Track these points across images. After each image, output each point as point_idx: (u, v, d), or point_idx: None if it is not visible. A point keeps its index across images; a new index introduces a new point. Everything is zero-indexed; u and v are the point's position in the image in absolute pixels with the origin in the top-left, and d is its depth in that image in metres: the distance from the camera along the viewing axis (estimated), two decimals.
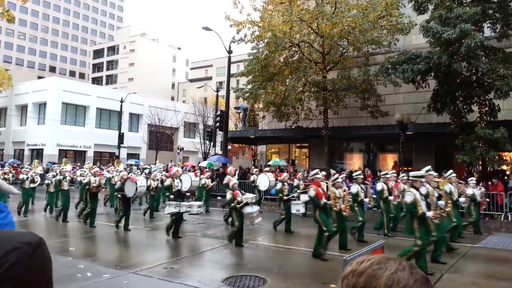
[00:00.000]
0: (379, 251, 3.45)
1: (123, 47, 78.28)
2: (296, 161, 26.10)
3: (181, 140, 48.03)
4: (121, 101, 36.82)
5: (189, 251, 9.51)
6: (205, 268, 8.09)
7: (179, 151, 40.41)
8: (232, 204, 9.63)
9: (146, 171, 22.53)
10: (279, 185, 12.45)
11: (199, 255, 8.97)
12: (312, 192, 8.63)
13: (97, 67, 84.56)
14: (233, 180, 10.55)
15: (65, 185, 13.99)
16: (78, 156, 41.61)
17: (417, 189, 7.59)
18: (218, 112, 25.70)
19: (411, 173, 8.36)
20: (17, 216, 14.07)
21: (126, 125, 42.56)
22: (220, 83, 55.20)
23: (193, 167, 26.36)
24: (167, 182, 11.07)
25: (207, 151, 37.15)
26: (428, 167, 8.81)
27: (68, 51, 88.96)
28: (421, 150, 20.90)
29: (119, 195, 11.99)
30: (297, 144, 26.69)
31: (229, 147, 33.17)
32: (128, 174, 14.69)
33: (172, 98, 71.12)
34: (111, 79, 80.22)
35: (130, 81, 73.63)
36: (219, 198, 20.28)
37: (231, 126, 38.65)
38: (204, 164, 26.03)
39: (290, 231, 11.81)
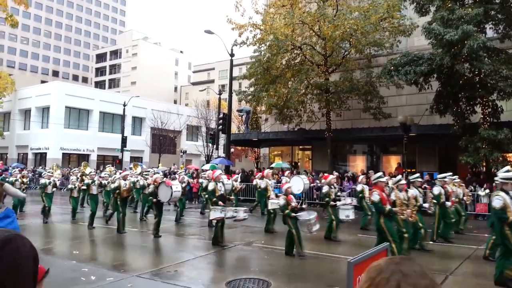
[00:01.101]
0: (383, 253, 3.45)
1: (126, 51, 78.58)
2: (299, 164, 26.08)
3: (184, 143, 48.09)
4: (124, 105, 36.92)
5: (193, 254, 9.50)
6: (209, 271, 8.08)
7: (182, 154, 40.42)
8: (287, 211, 8.78)
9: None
10: (325, 188, 11.37)
11: (203, 258, 8.96)
12: (376, 196, 7.82)
13: (100, 71, 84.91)
14: (287, 184, 9.71)
15: (94, 190, 13.61)
16: (81, 160, 41.68)
17: (507, 193, 6.81)
18: (221, 115, 25.70)
19: (501, 175, 7.29)
20: (41, 221, 13.93)
21: (129, 128, 42.67)
22: (223, 86, 55.32)
23: (196, 170, 26.35)
24: (211, 186, 10.33)
25: (210, 154, 37.16)
26: (507, 167, 8.06)
27: (71, 55, 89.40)
28: (424, 151, 20.84)
29: (154, 200, 11.29)
30: (300, 146, 26.67)
31: (232, 149, 33.19)
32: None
33: (175, 101, 71.31)
34: (114, 83, 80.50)
35: (132, 84, 73.87)
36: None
37: (234, 129, 38.65)
38: (207, 167, 26.03)
39: (334, 238, 10.78)
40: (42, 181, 14.54)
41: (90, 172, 15.77)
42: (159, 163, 34.31)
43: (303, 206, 9.55)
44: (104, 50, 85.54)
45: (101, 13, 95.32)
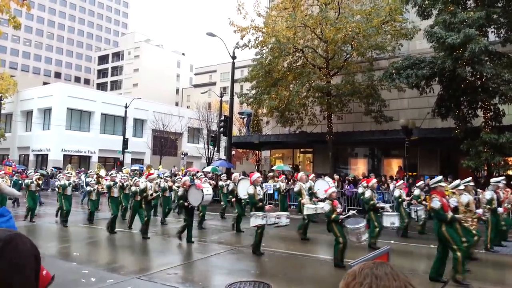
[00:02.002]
0: (384, 257, 3.43)
1: (128, 53, 78.77)
2: (300, 166, 26.05)
3: (185, 145, 48.11)
4: (126, 107, 36.98)
5: (193, 256, 9.48)
6: (209, 273, 8.05)
7: (183, 156, 40.43)
8: (333, 216, 8.14)
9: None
10: (368, 193, 10.59)
11: (203, 261, 8.94)
12: (436, 203, 7.19)
13: (102, 73, 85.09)
14: (332, 188, 9.00)
15: (115, 192, 13.14)
16: (82, 162, 41.75)
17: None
18: (222, 117, 25.73)
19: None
20: (57, 224, 13.92)
21: (130, 130, 42.71)
22: (224, 88, 55.35)
23: (197, 172, 26.35)
24: (250, 189, 9.56)
25: (211, 156, 37.16)
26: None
27: (73, 57, 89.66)
28: (426, 155, 20.81)
29: (185, 204, 10.56)
30: (301, 149, 26.65)
31: (233, 152, 33.20)
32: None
33: (176, 104, 71.40)
34: (115, 85, 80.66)
35: (134, 86, 74.01)
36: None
37: (235, 131, 38.68)
38: (208, 169, 26.06)
39: (373, 245, 9.97)
40: (62, 182, 13.99)
41: (111, 173, 15.11)
42: (160, 165, 34.29)
43: (350, 213, 8.81)
44: (106, 52, 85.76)
45: (103, 15, 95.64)
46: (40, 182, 16.02)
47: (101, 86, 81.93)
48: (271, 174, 18.94)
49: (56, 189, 14.85)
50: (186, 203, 10.54)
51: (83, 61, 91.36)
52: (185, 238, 10.58)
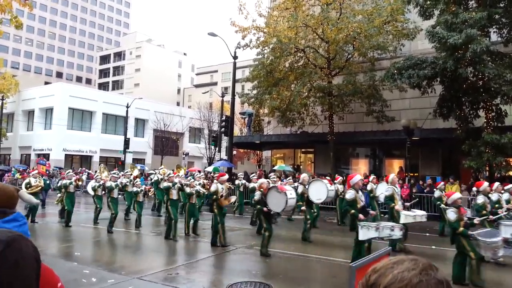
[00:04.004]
0: (385, 257, 3.42)
1: (129, 53, 78.84)
2: (301, 166, 26.04)
3: (186, 145, 48.13)
4: (127, 107, 37.01)
5: (194, 257, 9.48)
6: (210, 273, 8.05)
7: (184, 156, 40.49)
8: (461, 229, 6.85)
9: (153, 176, 22.52)
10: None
11: (204, 261, 8.94)
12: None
13: (103, 73, 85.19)
14: (456, 194, 7.56)
15: (174, 194, 11.86)
16: (84, 161, 41.82)
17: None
18: (224, 117, 25.74)
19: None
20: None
21: (131, 130, 42.73)
22: (226, 88, 55.37)
23: (199, 171, 26.37)
24: (350, 194, 8.16)
25: (212, 156, 37.17)
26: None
27: (75, 57, 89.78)
28: (427, 155, 20.78)
29: (264, 209, 9.24)
30: (303, 149, 26.64)
31: (234, 152, 33.18)
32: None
33: (178, 104, 71.39)
34: (117, 85, 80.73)
35: (136, 86, 74.06)
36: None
37: (236, 131, 38.66)
38: (209, 169, 26.06)
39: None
40: (108, 184, 13.41)
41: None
42: (161, 165, 34.32)
43: (475, 221, 7.66)
44: (108, 52, 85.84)
45: (105, 15, 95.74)
46: (80, 183, 15.39)
47: (103, 86, 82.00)
48: (272, 174, 18.91)
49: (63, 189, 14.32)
50: (265, 209, 9.20)
51: (85, 61, 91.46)
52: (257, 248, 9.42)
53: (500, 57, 15.52)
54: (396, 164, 22.30)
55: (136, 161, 42.12)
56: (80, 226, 13.63)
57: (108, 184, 13.24)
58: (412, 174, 19.24)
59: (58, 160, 38.74)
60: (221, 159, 30.10)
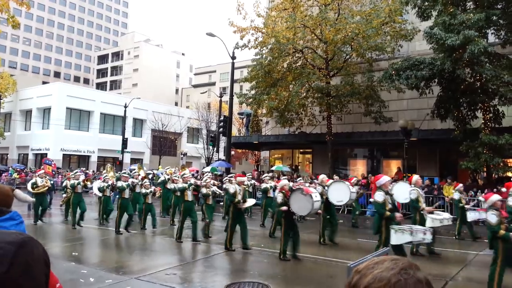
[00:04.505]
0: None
1: (127, 52, 78.77)
2: (299, 167, 26.06)
3: (184, 145, 48.11)
4: (125, 107, 36.98)
5: (192, 257, 9.48)
6: (208, 274, 8.05)
7: (182, 156, 40.44)
8: (503, 233, 6.25)
9: (150, 176, 22.52)
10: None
11: (202, 261, 8.94)
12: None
13: (101, 73, 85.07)
14: (494, 196, 7.02)
15: (189, 195, 11.34)
16: (81, 161, 41.75)
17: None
18: (222, 118, 25.73)
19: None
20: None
21: (129, 130, 42.70)
22: (224, 88, 55.37)
23: (197, 171, 26.37)
24: (379, 196, 7.68)
25: (210, 156, 37.17)
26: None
27: (73, 56, 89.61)
28: (425, 156, 20.82)
29: (285, 210, 8.74)
30: (301, 150, 26.66)
31: (233, 152, 33.19)
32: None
33: (176, 104, 71.38)
34: (115, 85, 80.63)
35: (134, 86, 74.01)
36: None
37: (235, 132, 38.69)
38: (207, 169, 26.06)
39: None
40: (119, 184, 12.80)
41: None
42: (159, 165, 34.31)
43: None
44: (106, 51, 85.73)
45: (103, 15, 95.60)
46: (88, 183, 14.84)
47: (101, 86, 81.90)
48: (270, 174, 18.92)
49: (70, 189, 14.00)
50: (286, 212, 8.72)
51: (83, 60, 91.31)
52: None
53: (498, 58, 15.58)
54: (394, 165, 22.34)
55: (134, 161, 42.07)
56: (83, 227, 13.59)
57: (119, 184, 12.70)
58: (410, 175, 19.27)
59: (56, 160, 38.59)
60: (219, 159, 30.12)
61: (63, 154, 40.25)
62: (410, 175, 19.17)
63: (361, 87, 19.65)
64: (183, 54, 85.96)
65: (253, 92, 21.76)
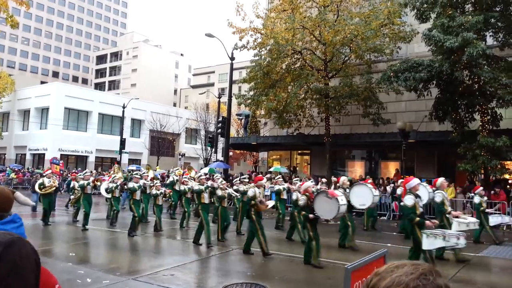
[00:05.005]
0: (380, 260, 3.43)
1: (126, 53, 78.71)
2: (297, 168, 26.06)
3: (182, 146, 48.08)
4: (123, 107, 36.93)
5: (190, 258, 9.45)
6: (206, 275, 8.04)
7: (180, 157, 40.40)
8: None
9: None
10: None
11: (200, 262, 8.92)
12: None
13: (100, 73, 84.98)
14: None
15: (206, 198, 10.82)
16: (79, 162, 41.66)
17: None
18: (220, 119, 25.73)
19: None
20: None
21: (128, 130, 42.65)
22: (222, 89, 55.38)
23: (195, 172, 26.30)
24: (410, 200, 7.23)
25: (209, 157, 37.13)
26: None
27: (71, 56, 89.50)
28: (423, 158, 20.85)
29: (310, 216, 8.32)
30: (299, 151, 26.67)
31: (231, 153, 33.17)
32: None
33: (174, 104, 71.32)
34: (113, 85, 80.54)
35: (132, 86, 73.93)
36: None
37: (233, 133, 38.66)
38: (205, 170, 26.02)
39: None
40: (130, 185, 12.40)
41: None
42: (157, 165, 34.28)
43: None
44: (105, 51, 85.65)
45: (102, 15, 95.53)
46: (98, 183, 14.47)
47: (99, 86, 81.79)
48: (268, 175, 18.92)
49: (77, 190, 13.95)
50: (312, 215, 8.32)
51: (81, 60, 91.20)
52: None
53: (496, 60, 15.61)
54: (392, 167, 22.37)
55: (132, 161, 42.04)
56: (77, 227, 13.56)
57: (130, 185, 12.30)
58: (407, 177, 19.29)
59: None
60: (217, 160, 30.09)
61: (61, 155, 40.10)
62: (407, 176, 19.30)
63: (359, 88, 19.68)
64: (182, 54, 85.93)
65: (251, 93, 21.76)
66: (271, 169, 23.45)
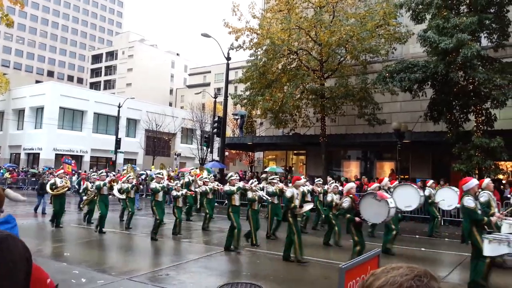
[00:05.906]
0: (374, 260, 3.45)
1: (122, 52, 78.47)
2: (293, 168, 26.10)
3: (178, 146, 48.02)
4: (119, 106, 36.84)
5: (186, 257, 9.44)
6: (201, 274, 8.03)
7: (176, 156, 40.36)
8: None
9: (143, 176, 22.48)
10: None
11: (195, 262, 8.92)
12: None
13: (95, 72, 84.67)
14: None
15: (237, 200, 10.35)
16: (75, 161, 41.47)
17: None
18: (216, 118, 25.71)
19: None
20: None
21: (123, 130, 42.54)
22: (218, 89, 55.34)
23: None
24: (470, 202, 6.77)
25: (204, 157, 37.10)
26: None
27: (67, 56, 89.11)
28: (418, 158, 20.94)
29: (356, 219, 7.91)
30: (294, 151, 26.70)
31: (226, 153, 33.16)
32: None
33: (170, 104, 71.24)
34: (109, 84, 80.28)
35: (128, 86, 73.73)
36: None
37: (229, 133, 38.67)
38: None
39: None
40: (152, 185, 11.73)
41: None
42: (152, 165, 34.22)
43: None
44: (100, 51, 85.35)
45: (97, 14, 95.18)
46: (115, 184, 13.84)
47: (94, 85, 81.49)
48: (264, 176, 18.93)
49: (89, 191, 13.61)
50: (358, 218, 7.91)
51: (77, 60, 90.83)
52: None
53: (490, 62, 15.71)
54: (387, 167, 22.45)
55: (127, 161, 41.89)
56: (70, 227, 13.50)
57: (152, 186, 11.62)
58: (403, 177, 19.39)
59: (48, 160, 38.42)
60: (213, 160, 30.07)
61: (56, 154, 39.97)
62: (402, 176, 19.39)
63: (355, 89, 19.73)
64: (177, 54, 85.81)
65: (247, 93, 21.76)
66: (267, 169, 23.46)
